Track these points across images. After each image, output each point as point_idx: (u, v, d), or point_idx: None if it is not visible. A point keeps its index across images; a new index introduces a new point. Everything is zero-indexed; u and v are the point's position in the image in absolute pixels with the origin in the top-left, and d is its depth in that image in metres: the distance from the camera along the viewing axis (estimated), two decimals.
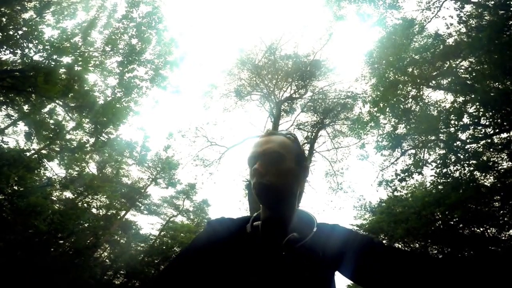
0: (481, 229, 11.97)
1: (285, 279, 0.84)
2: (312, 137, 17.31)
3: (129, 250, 22.03)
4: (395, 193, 13.32)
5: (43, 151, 10.68)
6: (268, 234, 0.94)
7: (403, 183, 11.05)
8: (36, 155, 10.31)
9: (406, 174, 9.31)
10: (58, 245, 13.12)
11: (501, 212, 11.08)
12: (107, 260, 21.36)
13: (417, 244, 14.88)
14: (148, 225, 30.22)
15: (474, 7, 9.25)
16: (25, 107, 8.69)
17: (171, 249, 21.88)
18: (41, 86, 7.38)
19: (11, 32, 7.58)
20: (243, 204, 17.15)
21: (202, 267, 0.90)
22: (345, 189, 17.20)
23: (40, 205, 10.50)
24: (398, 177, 9.34)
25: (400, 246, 15.55)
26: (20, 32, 7.70)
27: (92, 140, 11.04)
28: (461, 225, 12.29)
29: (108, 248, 22.24)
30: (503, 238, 11.62)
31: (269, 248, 0.91)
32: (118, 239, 22.93)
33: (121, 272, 21.37)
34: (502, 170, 9.39)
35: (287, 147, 0.99)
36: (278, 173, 0.93)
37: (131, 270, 19.82)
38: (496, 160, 9.30)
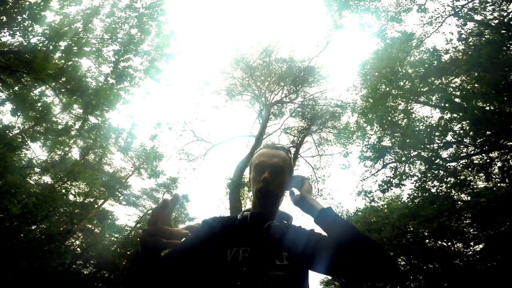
0: (449, 243, 12.53)
1: (265, 250, 1.08)
2: (298, 142, 17.57)
3: (102, 240, 21.49)
4: (372, 204, 13.75)
5: (28, 132, 10.31)
6: (254, 222, 1.20)
7: (381, 195, 11.41)
8: (20, 135, 9.93)
9: (387, 185, 9.66)
10: (30, 230, 12.61)
11: (470, 229, 11.72)
12: (78, 249, 20.75)
13: None
14: (125, 216, 29.59)
15: (476, 25, 9.42)
16: (16, 88, 8.45)
17: None
18: (38, 63, 7.24)
19: (14, 15, 7.41)
20: (223, 203, 17.15)
21: (199, 255, 1.06)
22: (325, 196, 17.59)
23: (17, 185, 10.04)
24: (381, 188, 9.67)
25: None
26: (23, 15, 7.53)
27: (78, 123, 10.80)
28: (431, 239, 12.81)
29: (81, 236, 21.64)
30: (468, 253, 12.23)
31: (254, 229, 1.17)
32: (93, 228, 22.33)
33: (92, 261, 20.82)
34: (476, 190, 9.90)
35: (286, 162, 1.28)
36: (279, 184, 1.22)
37: (102, 260, 19.33)
38: (473, 179, 9.67)
